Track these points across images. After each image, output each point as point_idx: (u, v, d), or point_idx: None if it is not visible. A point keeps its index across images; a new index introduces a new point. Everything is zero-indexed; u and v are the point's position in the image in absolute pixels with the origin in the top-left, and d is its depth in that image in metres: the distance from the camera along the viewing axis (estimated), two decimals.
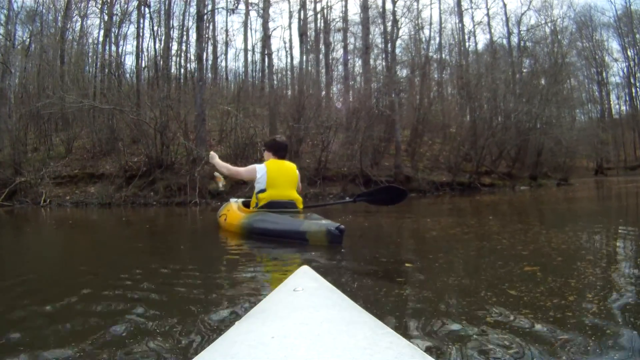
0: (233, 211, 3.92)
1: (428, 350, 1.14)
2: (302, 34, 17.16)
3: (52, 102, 10.91)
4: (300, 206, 3.62)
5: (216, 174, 4.26)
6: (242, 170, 3.88)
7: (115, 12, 16.49)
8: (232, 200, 4.48)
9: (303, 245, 2.92)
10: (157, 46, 16.71)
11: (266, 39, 13.70)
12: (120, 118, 10.97)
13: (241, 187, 8.83)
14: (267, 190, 3.47)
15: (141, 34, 16.90)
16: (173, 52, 16.62)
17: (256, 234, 3.33)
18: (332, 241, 2.82)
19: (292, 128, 10.98)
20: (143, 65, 16.71)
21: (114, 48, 16.16)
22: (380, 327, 0.65)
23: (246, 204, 4.04)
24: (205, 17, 13.08)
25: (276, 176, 3.49)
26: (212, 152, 4.09)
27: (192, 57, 15.76)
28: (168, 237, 4.54)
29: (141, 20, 16.89)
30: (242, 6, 19.73)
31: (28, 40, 15.89)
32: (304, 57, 17.20)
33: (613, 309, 1.40)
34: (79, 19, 17.58)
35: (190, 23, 17.25)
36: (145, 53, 17.21)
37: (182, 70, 17.78)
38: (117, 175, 10.15)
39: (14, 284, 2.09)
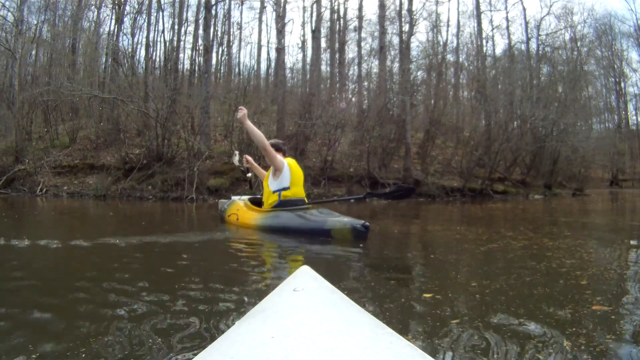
0: (245, 210, 3.91)
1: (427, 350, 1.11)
2: (315, 30, 16.75)
3: (51, 89, 10.64)
4: (307, 200, 3.75)
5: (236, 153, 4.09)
6: (271, 152, 3.42)
7: (125, 2, 16.24)
8: (235, 198, 4.40)
9: (303, 244, 2.99)
10: (167, 38, 16.42)
11: (278, 33, 13.31)
12: (123, 109, 10.67)
13: (241, 185, 8.46)
14: (291, 188, 3.54)
15: (152, 25, 16.66)
16: (185, 44, 16.32)
17: (279, 231, 3.40)
18: (357, 237, 2.99)
19: (299, 125, 10.57)
20: (153, 56, 16.48)
21: (123, 38, 15.90)
22: (380, 327, 0.64)
23: (253, 202, 4.04)
24: (213, 8, 12.73)
25: (297, 174, 3.60)
26: (242, 108, 3.51)
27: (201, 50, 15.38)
28: (165, 235, 4.15)
29: (153, 12, 16.65)
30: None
31: (36, 27, 15.69)
32: (315, 53, 16.75)
33: None
34: (95, 10, 17.40)
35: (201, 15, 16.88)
36: (158, 45, 16.96)
37: (195, 64, 17.44)
38: (115, 167, 9.83)
39: None
